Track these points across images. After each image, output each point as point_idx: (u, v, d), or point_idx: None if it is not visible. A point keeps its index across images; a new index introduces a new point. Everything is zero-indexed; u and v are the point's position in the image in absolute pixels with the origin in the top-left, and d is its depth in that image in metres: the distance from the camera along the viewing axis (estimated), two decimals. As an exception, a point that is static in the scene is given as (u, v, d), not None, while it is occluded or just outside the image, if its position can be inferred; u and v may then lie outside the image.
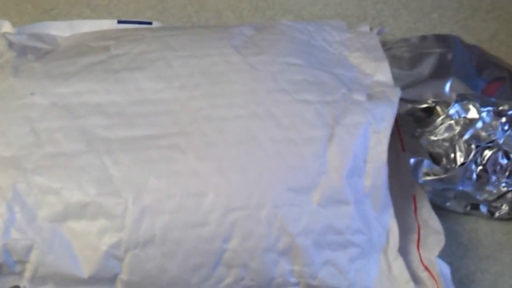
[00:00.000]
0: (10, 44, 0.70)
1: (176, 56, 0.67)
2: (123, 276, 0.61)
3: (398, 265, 0.64)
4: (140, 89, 0.65)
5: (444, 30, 0.87)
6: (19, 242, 0.60)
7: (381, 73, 0.69)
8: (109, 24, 0.76)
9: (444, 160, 0.72)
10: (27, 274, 0.61)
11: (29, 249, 0.60)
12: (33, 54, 0.70)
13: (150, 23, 0.76)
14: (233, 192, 0.60)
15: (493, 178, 0.72)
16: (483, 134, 0.71)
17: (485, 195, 0.73)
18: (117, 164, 0.61)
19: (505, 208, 0.74)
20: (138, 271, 0.61)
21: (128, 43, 0.69)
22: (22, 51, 0.70)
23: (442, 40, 0.79)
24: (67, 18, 0.83)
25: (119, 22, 0.76)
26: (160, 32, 0.71)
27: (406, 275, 0.64)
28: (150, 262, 0.61)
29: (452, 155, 0.71)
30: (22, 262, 0.60)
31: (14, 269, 0.61)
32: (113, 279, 0.61)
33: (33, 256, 0.60)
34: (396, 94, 0.66)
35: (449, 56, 0.76)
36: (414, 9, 0.89)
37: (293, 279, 0.63)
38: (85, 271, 0.61)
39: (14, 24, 0.74)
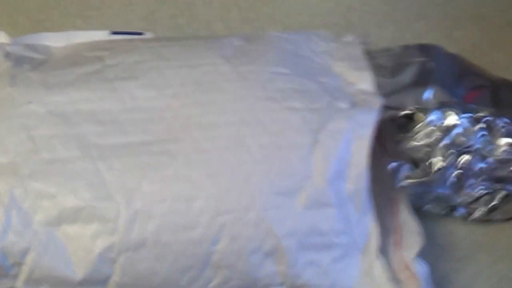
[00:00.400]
0: (7, 54, 0.72)
1: (168, 65, 0.69)
2: (116, 278, 0.63)
3: (379, 265, 0.66)
4: (133, 98, 0.67)
5: (428, 40, 0.87)
6: (15, 245, 0.61)
7: (364, 82, 0.71)
8: (102, 34, 0.77)
9: (424, 164, 0.73)
10: (23, 276, 0.63)
11: (25, 252, 0.62)
12: (29, 64, 0.72)
13: (142, 34, 0.78)
14: (222, 196, 0.63)
15: (470, 181, 0.74)
16: (461, 139, 0.73)
17: (462, 198, 0.75)
18: (111, 170, 0.63)
19: (482, 210, 0.76)
20: (130, 273, 0.63)
21: (121, 54, 0.71)
22: (18, 61, 0.72)
23: (424, 49, 0.80)
24: (60, 29, 0.83)
25: (113, 33, 0.77)
26: (152, 42, 0.73)
27: (386, 274, 0.66)
28: (141, 264, 0.62)
29: (431, 160, 0.73)
30: (18, 264, 0.62)
31: (10, 271, 0.63)
32: (106, 281, 0.63)
33: (29, 259, 0.62)
34: (378, 102, 0.68)
35: (431, 65, 0.78)
36: (399, 19, 0.90)
37: (278, 279, 0.64)
38: (79, 273, 0.62)
39: (8, 35, 0.76)
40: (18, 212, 0.62)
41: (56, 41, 0.76)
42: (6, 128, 0.65)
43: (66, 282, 0.63)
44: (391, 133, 0.75)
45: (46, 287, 0.64)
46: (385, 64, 0.79)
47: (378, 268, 0.66)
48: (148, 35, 0.78)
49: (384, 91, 0.75)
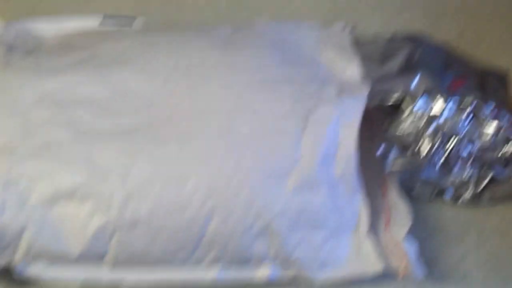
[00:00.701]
0: None
1: (158, 53, 0.71)
2: (110, 255, 0.65)
3: (368, 244, 0.68)
4: (124, 83, 0.68)
5: (414, 29, 0.88)
6: (11, 224, 0.63)
7: (351, 70, 0.73)
8: (94, 19, 0.78)
9: (411, 150, 0.75)
10: (20, 253, 0.65)
11: (21, 231, 0.64)
12: (21, 50, 0.73)
13: (134, 18, 0.78)
14: (213, 178, 0.64)
15: (457, 166, 0.75)
16: (448, 125, 0.74)
17: (451, 182, 0.76)
18: (104, 152, 0.64)
19: (468, 194, 0.77)
20: (125, 251, 0.65)
21: (111, 41, 0.73)
22: (10, 47, 0.73)
23: (411, 38, 0.82)
24: (52, 13, 0.81)
25: (105, 17, 0.78)
26: (142, 31, 0.75)
27: (375, 253, 0.67)
28: (135, 242, 0.64)
29: (418, 145, 0.74)
30: (15, 241, 0.64)
31: (7, 249, 0.64)
32: (101, 257, 0.65)
33: (26, 236, 0.64)
34: (364, 89, 0.70)
35: (417, 54, 0.79)
36: (386, 9, 0.91)
37: (269, 258, 0.66)
38: (75, 250, 0.64)
39: (0, 20, 0.76)
40: (14, 192, 0.63)
41: (48, 26, 0.77)
42: (0, 112, 0.67)
43: (63, 258, 0.65)
44: (380, 119, 0.76)
45: (43, 263, 0.66)
46: (373, 53, 0.80)
47: (367, 246, 0.68)
48: (139, 20, 0.79)
49: (372, 79, 0.75)
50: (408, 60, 0.79)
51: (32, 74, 0.69)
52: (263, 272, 0.68)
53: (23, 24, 0.77)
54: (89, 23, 0.78)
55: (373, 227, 0.70)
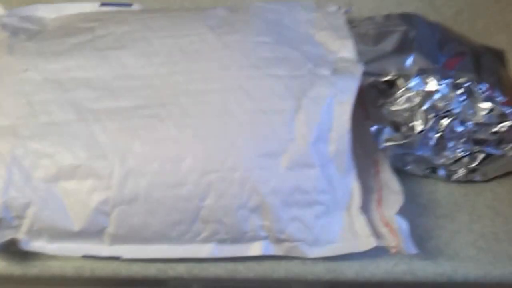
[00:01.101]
0: (3, 25, 0.76)
1: (156, 36, 0.72)
2: (110, 230, 0.67)
3: (360, 221, 0.69)
4: (123, 66, 0.70)
5: (410, 8, 0.89)
6: (17, 199, 0.66)
7: (346, 50, 0.74)
8: (91, 6, 0.80)
9: (404, 128, 0.76)
10: (24, 228, 0.67)
11: (26, 206, 0.66)
12: (24, 34, 0.75)
13: (130, 5, 0.80)
14: (209, 156, 0.66)
15: (450, 144, 0.76)
16: (441, 104, 0.75)
17: (443, 160, 0.77)
18: (104, 131, 0.66)
19: (462, 171, 0.78)
20: (124, 225, 0.67)
21: (111, 24, 0.74)
22: (14, 31, 0.75)
23: (406, 18, 0.82)
24: (52, 0, 0.83)
25: (102, 4, 0.80)
26: (141, 14, 0.76)
27: (367, 230, 0.69)
28: (134, 217, 0.66)
29: (412, 124, 0.75)
30: (20, 217, 0.66)
31: (12, 223, 0.67)
32: (101, 232, 0.67)
33: (30, 212, 0.66)
34: (359, 69, 0.71)
35: (412, 33, 0.80)
36: None
37: (263, 233, 0.68)
38: (76, 225, 0.67)
39: (3, 7, 0.78)
40: (19, 170, 0.66)
41: (48, 12, 0.80)
42: (5, 93, 0.69)
43: (65, 233, 0.67)
44: (373, 98, 0.77)
45: (46, 238, 0.68)
46: (368, 33, 0.81)
47: (360, 224, 0.69)
48: (136, 6, 0.80)
49: (367, 58, 0.77)
50: (402, 39, 0.80)
51: (36, 57, 0.71)
52: (257, 247, 0.69)
53: (26, 9, 0.79)
54: (87, 9, 0.80)
55: (366, 205, 0.71)
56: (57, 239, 0.68)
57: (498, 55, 0.84)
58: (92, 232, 0.67)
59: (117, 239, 0.68)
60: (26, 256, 0.71)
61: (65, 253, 0.69)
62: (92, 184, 0.66)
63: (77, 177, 0.66)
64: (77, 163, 0.66)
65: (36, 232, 0.67)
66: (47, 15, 0.79)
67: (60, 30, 0.76)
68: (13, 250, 0.69)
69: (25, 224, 0.67)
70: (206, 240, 0.68)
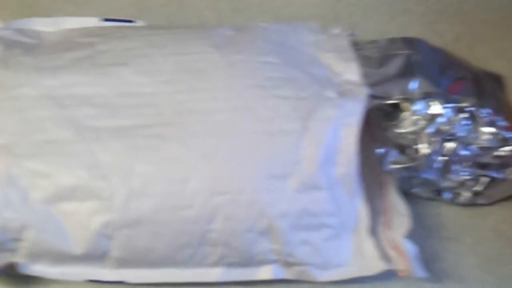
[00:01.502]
0: None
1: (159, 53, 0.71)
2: (113, 253, 0.65)
3: (368, 244, 0.68)
4: (125, 83, 0.68)
5: (411, 33, 0.88)
6: (13, 221, 0.64)
7: (351, 72, 0.73)
8: (92, 21, 0.78)
9: (409, 151, 0.75)
10: (22, 251, 0.65)
11: (23, 228, 0.64)
12: (20, 48, 0.73)
13: (132, 22, 0.79)
14: (216, 178, 0.65)
15: (454, 167, 0.76)
16: (445, 128, 0.74)
17: (448, 183, 0.77)
18: (105, 151, 0.64)
19: (466, 195, 0.78)
20: (128, 249, 0.65)
21: (112, 40, 0.72)
22: (9, 45, 0.73)
23: (409, 42, 0.82)
24: (50, 14, 0.82)
25: (104, 20, 0.78)
26: (143, 30, 0.75)
27: (376, 253, 0.68)
28: (138, 241, 0.65)
29: (417, 147, 0.75)
30: (17, 240, 0.64)
31: (9, 246, 0.65)
32: (104, 255, 0.65)
33: (28, 235, 0.64)
34: (364, 92, 0.70)
35: (415, 57, 0.79)
36: (384, 12, 0.91)
37: (272, 257, 0.67)
38: (77, 249, 0.65)
39: None
40: (15, 190, 0.64)
41: (46, 26, 0.77)
42: (0, 110, 0.67)
43: (65, 256, 0.65)
44: (378, 121, 0.76)
45: (46, 261, 0.66)
46: (372, 56, 0.80)
47: (368, 247, 0.68)
48: (138, 23, 0.79)
49: (371, 81, 0.76)
50: (406, 63, 0.79)
51: (32, 72, 0.69)
52: (266, 271, 0.68)
53: (22, 22, 0.77)
54: (87, 24, 0.78)
55: (373, 227, 0.70)
56: (58, 263, 0.66)
57: (497, 80, 0.84)
58: (94, 256, 0.65)
59: (121, 263, 0.66)
60: (27, 279, 0.69)
61: (67, 277, 0.67)
62: (92, 206, 0.64)
63: (77, 198, 0.64)
64: (77, 183, 0.64)
65: (35, 256, 0.65)
66: (45, 29, 0.77)
67: (58, 44, 0.74)
68: (13, 273, 0.67)
69: (23, 247, 0.65)
70: (214, 264, 0.67)
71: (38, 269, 0.66)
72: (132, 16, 0.81)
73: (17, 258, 0.65)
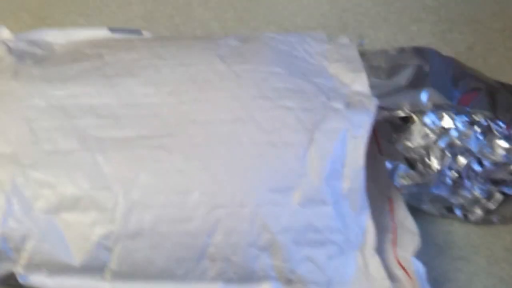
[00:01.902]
0: (10, 50, 0.74)
1: (165, 64, 0.70)
2: (113, 266, 0.64)
3: (375, 263, 0.66)
4: (131, 94, 0.68)
5: (422, 42, 0.89)
6: (16, 231, 0.63)
7: (359, 83, 0.72)
8: (101, 32, 0.79)
9: (420, 166, 0.74)
10: (22, 261, 0.64)
11: (25, 238, 0.63)
12: (31, 59, 0.73)
13: (139, 32, 0.79)
14: (218, 190, 0.63)
15: (467, 183, 0.74)
16: (458, 142, 0.73)
17: (460, 200, 0.75)
18: (109, 161, 0.64)
19: (479, 212, 0.76)
20: (127, 261, 0.64)
21: (120, 51, 0.72)
22: (21, 56, 0.73)
23: (420, 52, 0.81)
24: (61, 26, 0.85)
25: (111, 30, 0.79)
26: (150, 42, 0.75)
27: (382, 272, 0.66)
28: (138, 253, 0.64)
29: (428, 161, 0.73)
30: (18, 249, 0.64)
31: (11, 256, 0.64)
32: (103, 268, 0.64)
33: (29, 245, 0.63)
34: (373, 103, 0.69)
35: (426, 67, 0.78)
36: (393, 22, 0.91)
37: (273, 273, 0.65)
38: (77, 260, 0.64)
39: (11, 31, 0.77)
40: (19, 200, 0.64)
41: (57, 37, 0.78)
42: (8, 120, 0.67)
43: (65, 268, 0.64)
44: (387, 134, 0.75)
45: (45, 272, 0.65)
46: (381, 66, 0.80)
47: (374, 266, 0.66)
48: (145, 34, 0.79)
49: (380, 92, 0.75)
50: (416, 73, 0.78)
51: (41, 83, 0.69)
52: None
53: (33, 34, 0.78)
54: (96, 35, 0.78)
55: (380, 245, 0.68)
56: (56, 274, 0.65)
57: (512, 91, 0.82)
58: (93, 268, 0.64)
59: (119, 275, 0.65)
60: None
61: None
62: (94, 217, 0.63)
63: (79, 209, 0.63)
64: (79, 194, 0.63)
65: (35, 266, 0.65)
66: (55, 40, 0.78)
67: (67, 55, 0.74)
68: (12, 283, 0.66)
69: (23, 257, 0.64)
70: (213, 279, 0.65)
71: (37, 279, 0.66)
72: (140, 27, 0.83)
73: (17, 268, 0.65)
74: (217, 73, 0.70)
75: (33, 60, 0.73)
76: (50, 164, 0.64)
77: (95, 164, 0.64)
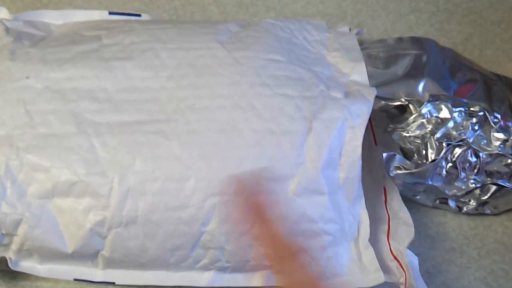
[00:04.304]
0: (7, 30, 0.72)
1: (164, 48, 0.69)
2: (105, 253, 0.64)
3: (368, 254, 0.66)
4: (129, 77, 0.67)
5: (420, 32, 0.88)
6: (8, 215, 0.62)
7: (358, 73, 0.71)
8: (100, 14, 0.77)
9: (415, 156, 0.73)
10: (14, 246, 0.64)
11: (17, 223, 0.62)
12: (28, 40, 0.72)
13: (139, 15, 0.78)
14: (214, 178, 0.63)
15: (462, 174, 0.74)
16: (454, 133, 0.73)
17: (454, 191, 0.75)
18: (105, 146, 0.63)
19: (472, 203, 0.76)
20: (120, 249, 0.63)
21: (119, 34, 0.71)
22: (18, 36, 0.72)
23: (418, 42, 0.80)
24: (58, 6, 0.85)
25: (110, 13, 0.77)
26: (149, 25, 0.74)
27: (375, 263, 0.66)
28: (131, 240, 0.63)
29: (424, 152, 0.73)
30: (10, 235, 0.63)
31: (3, 242, 0.63)
32: (95, 255, 0.64)
33: (21, 230, 0.63)
34: (371, 93, 0.68)
35: (424, 57, 0.78)
36: (392, 11, 0.90)
37: (266, 262, 0.65)
38: (69, 246, 0.63)
39: (9, 11, 0.76)
40: (12, 184, 0.63)
41: (55, 19, 0.77)
42: (3, 101, 0.66)
43: (57, 254, 0.64)
44: (383, 124, 0.75)
45: (36, 258, 0.65)
46: (379, 55, 0.79)
47: (367, 257, 0.67)
48: (144, 17, 0.78)
49: (377, 82, 0.75)
50: (413, 63, 0.78)
51: (38, 64, 0.68)
52: (258, 277, 0.66)
53: (31, 14, 0.77)
54: (95, 17, 0.77)
55: (374, 236, 0.68)
56: (48, 260, 0.65)
57: (508, 84, 0.82)
58: (85, 255, 0.64)
59: (111, 263, 0.64)
60: (15, 275, 0.68)
61: (56, 275, 0.65)
62: (88, 203, 0.63)
63: (73, 195, 0.63)
64: (74, 179, 0.62)
65: (26, 252, 0.64)
66: (53, 21, 0.76)
67: (65, 37, 0.73)
68: (2, 269, 0.66)
69: (15, 242, 0.64)
70: (206, 268, 0.65)
71: (28, 265, 0.65)
72: (138, 10, 0.83)
73: (9, 254, 0.65)
74: (216, 58, 0.69)
75: (31, 40, 0.72)
76: (45, 148, 0.63)
77: (91, 148, 0.63)
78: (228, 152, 0.64)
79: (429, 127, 0.73)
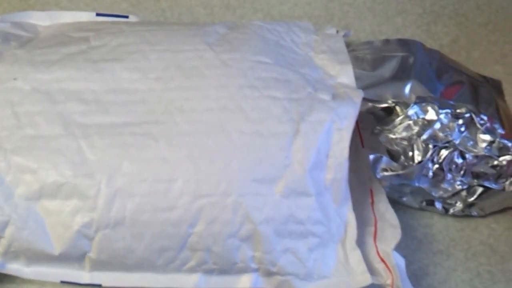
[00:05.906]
0: None
1: (152, 50, 0.69)
2: (92, 255, 0.64)
3: (355, 256, 0.66)
4: (116, 79, 0.67)
5: (407, 34, 0.88)
6: None
7: (345, 75, 0.71)
8: (87, 16, 0.77)
9: (402, 158, 0.73)
10: (1, 248, 0.63)
11: (4, 225, 0.62)
12: (15, 41, 0.72)
13: (126, 17, 0.78)
14: (201, 179, 0.63)
15: (449, 176, 0.74)
16: (441, 134, 0.73)
17: (440, 192, 0.75)
18: (93, 148, 0.63)
19: (459, 205, 0.76)
20: (107, 251, 0.63)
21: (107, 35, 0.71)
22: (5, 38, 0.72)
23: (404, 44, 0.80)
24: (45, 7, 0.85)
25: (98, 14, 0.77)
26: (137, 26, 0.73)
27: (362, 265, 0.66)
28: (119, 242, 0.63)
29: (410, 153, 0.73)
30: None
31: None
32: (82, 257, 0.64)
33: (8, 232, 0.62)
34: (358, 95, 0.68)
35: (410, 60, 0.78)
36: (379, 13, 0.90)
37: (253, 265, 0.65)
38: (56, 248, 0.63)
39: None
40: (0, 186, 0.62)
41: (42, 20, 0.76)
42: None
43: (44, 256, 0.64)
44: (370, 126, 0.75)
45: (23, 260, 0.65)
46: (365, 57, 0.79)
47: (354, 259, 0.66)
48: (132, 18, 0.78)
49: (364, 84, 0.75)
50: (400, 65, 0.78)
51: (25, 66, 0.68)
52: (246, 280, 0.66)
53: (18, 16, 0.76)
54: (83, 18, 0.77)
55: (361, 238, 0.68)
56: (35, 263, 0.65)
57: (495, 86, 0.83)
58: (72, 257, 0.64)
59: (98, 265, 0.64)
60: (1, 278, 0.68)
61: (43, 277, 0.65)
62: (75, 205, 0.62)
63: (61, 196, 0.63)
64: (62, 180, 0.62)
65: (13, 254, 0.64)
66: (40, 23, 0.76)
67: (53, 38, 0.73)
68: None
69: (2, 244, 0.63)
70: (192, 270, 0.65)
71: (14, 267, 0.65)
72: (125, 12, 0.83)
73: None
74: (204, 60, 0.69)
75: (18, 42, 0.72)
76: (33, 150, 0.63)
77: (78, 150, 0.63)
78: (216, 153, 0.64)
79: (416, 128, 0.73)
